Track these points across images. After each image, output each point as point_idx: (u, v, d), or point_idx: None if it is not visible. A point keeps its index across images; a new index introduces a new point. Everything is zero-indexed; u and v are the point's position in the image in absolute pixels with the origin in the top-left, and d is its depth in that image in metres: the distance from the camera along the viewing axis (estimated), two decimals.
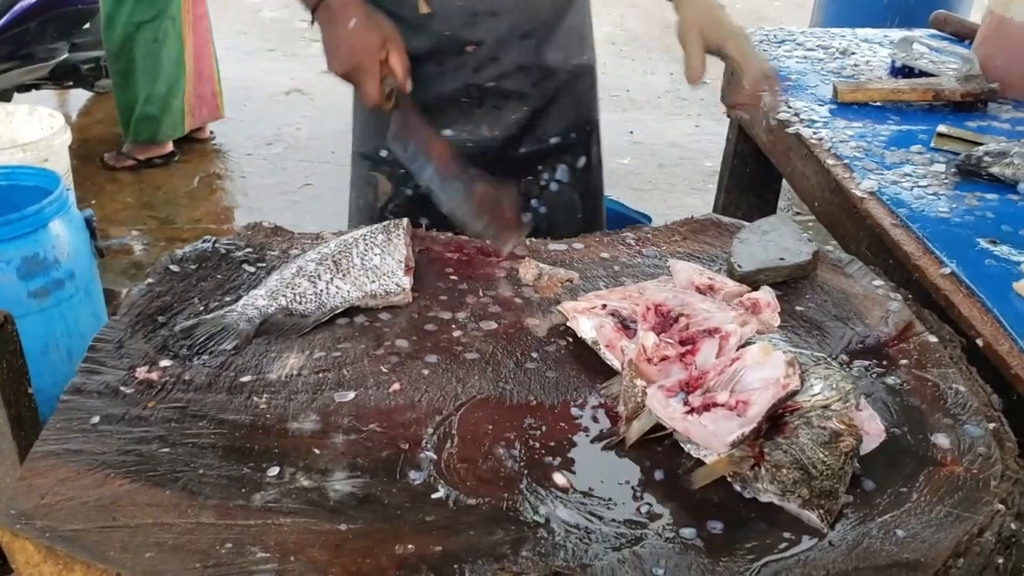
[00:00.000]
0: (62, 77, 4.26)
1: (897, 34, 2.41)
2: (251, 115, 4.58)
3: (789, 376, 0.98)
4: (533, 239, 1.45)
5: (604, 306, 1.19)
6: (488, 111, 1.58)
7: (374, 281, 1.26)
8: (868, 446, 0.99)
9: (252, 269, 1.33)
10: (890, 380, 1.13)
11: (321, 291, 1.24)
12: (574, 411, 1.07)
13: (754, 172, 2.44)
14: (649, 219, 2.63)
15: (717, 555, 0.88)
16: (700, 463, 0.97)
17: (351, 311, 1.24)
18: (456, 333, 1.21)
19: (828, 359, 1.04)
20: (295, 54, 5.47)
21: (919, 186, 1.65)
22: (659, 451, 1.01)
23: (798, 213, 3.56)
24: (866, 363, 1.16)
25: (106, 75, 4.13)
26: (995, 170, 1.66)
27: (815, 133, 1.87)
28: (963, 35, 2.40)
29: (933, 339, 1.20)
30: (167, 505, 0.90)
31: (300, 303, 1.22)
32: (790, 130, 1.91)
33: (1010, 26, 2.06)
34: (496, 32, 1.52)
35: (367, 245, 1.30)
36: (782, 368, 0.98)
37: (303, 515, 0.90)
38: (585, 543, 0.88)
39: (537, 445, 1.01)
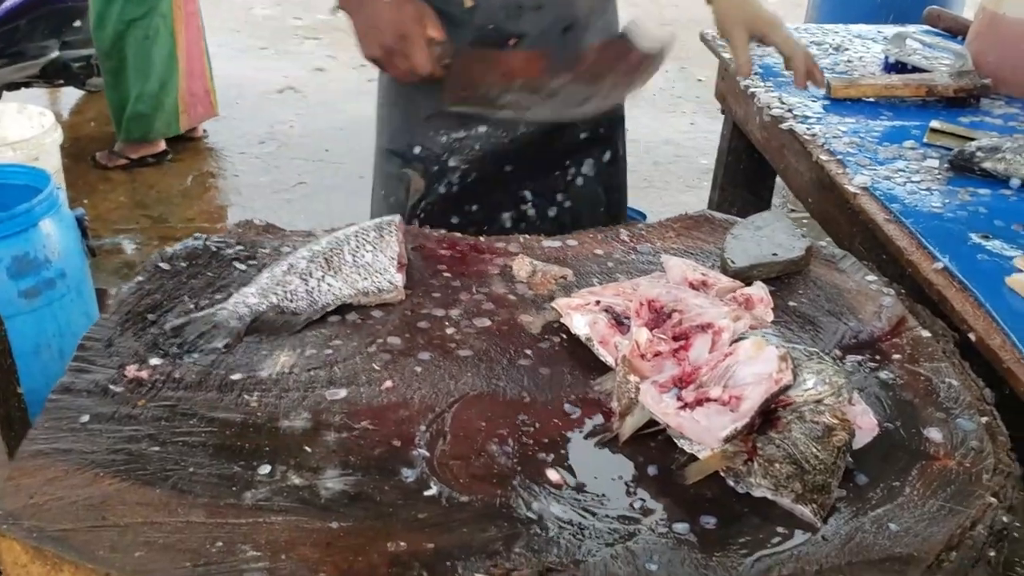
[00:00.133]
0: (53, 75, 4.23)
1: (890, 30, 2.41)
2: (244, 113, 4.55)
3: (782, 371, 0.98)
4: (526, 236, 1.45)
5: (598, 302, 1.19)
6: None
7: (366, 278, 1.25)
8: (861, 440, 0.99)
9: (243, 267, 1.32)
10: (883, 375, 1.13)
11: (313, 288, 1.23)
12: (567, 407, 1.07)
13: (748, 169, 2.44)
14: (644, 216, 2.63)
15: (710, 550, 0.87)
16: (693, 458, 0.97)
17: (343, 308, 1.23)
18: (449, 330, 1.20)
19: (821, 354, 1.04)
20: (288, 52, 5.45)
21: (912, 182, 1.65)
22: (652, 447, 1.00)
23: (792, 209, 3.56)
24: (859, 358, 1.16)
25: (97, 73, 4.11)
26: (987, 165, 1.66)
27: (808, 129, 1.86)
28: (956, 31, 2.40)
29: (926, 334, 1.20)
30: (157, 504, 0.89)
31: (291, 301, 1.21)
32: (784, 126, 1.90)
33: (1002, 22, 2.06)
34: (540, 25, 1.52)
35: (359, 242, 1.29)
36: (775, 363, 0.98)
37: (294, 513, 0.89)
38: (578, 539, 0.88)
39: (530, 442, 1.01)
